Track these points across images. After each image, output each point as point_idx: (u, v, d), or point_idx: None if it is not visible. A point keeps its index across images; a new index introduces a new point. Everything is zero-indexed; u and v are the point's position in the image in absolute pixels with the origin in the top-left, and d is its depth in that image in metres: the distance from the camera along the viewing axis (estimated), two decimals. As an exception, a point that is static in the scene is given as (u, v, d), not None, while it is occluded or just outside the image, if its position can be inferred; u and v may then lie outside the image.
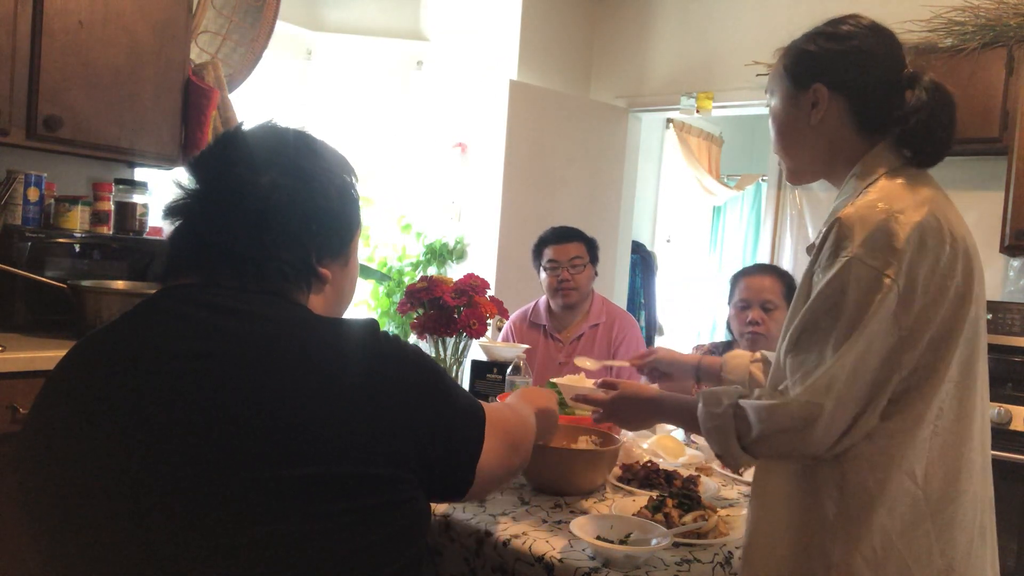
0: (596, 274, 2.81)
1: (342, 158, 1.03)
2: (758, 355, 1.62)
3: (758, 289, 2.26)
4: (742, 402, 1.10)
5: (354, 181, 1.03)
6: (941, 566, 1.09)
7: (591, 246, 2.76)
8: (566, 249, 2.69)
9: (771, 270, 2.37)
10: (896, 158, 1.16)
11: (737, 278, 2.35)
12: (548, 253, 2.72)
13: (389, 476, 0.84)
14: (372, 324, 0.93)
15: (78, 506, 0.81)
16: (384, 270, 4.18)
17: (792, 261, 3.80)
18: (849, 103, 1.18)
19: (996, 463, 1.23)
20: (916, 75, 1.17)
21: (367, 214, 4.20)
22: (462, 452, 0.96)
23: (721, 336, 5.81)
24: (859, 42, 1.19)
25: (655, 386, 1.40)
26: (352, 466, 0.81)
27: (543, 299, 2.82)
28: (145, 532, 0.78)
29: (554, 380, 1.78)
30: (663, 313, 5.26)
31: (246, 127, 0.99)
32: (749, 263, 5.88)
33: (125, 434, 0.81)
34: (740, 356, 1.64)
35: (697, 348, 2.44)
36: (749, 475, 1.69)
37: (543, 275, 2.74)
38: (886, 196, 1.09)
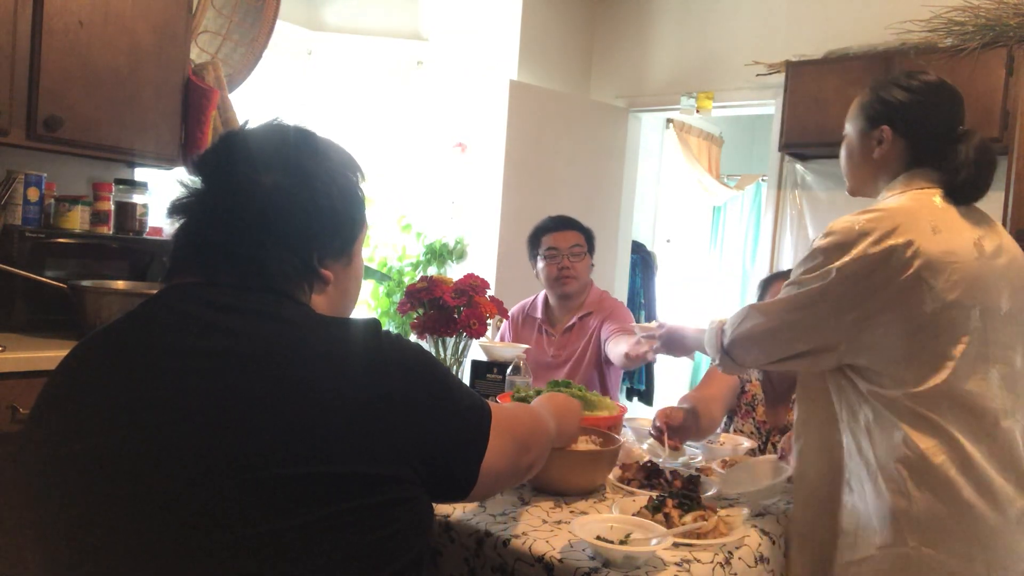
0: (593, 265, 2.76)
1: (348, 156, 1.03)
2: None
3: None
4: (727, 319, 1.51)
5: (359, 180, 1.03)
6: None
7: (589, 236, 2.73)
8: (566, 237, 2.66)
9: None
10: (921, 182, 1.41)
11: (769, 282, 2.25)
12: (547, 241, 2.67)
13: (390, 475, 0.84)
14: (374, 323, 0.93)
15: (82, 503, 0.81)
16: (384, 270, 4.19)
17: (792, 261, 3.79)
18: (907, 144, 1.43)
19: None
20: (969, 132, 1.41)
21: (367, 214, 4.19)
22: (465, 451, 0.96)
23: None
24: (924, 97, 1.43)
25: (690, 325, 1.76)
26: (353, 465, 0.81)
27: (542, 294, 2.80)
28: (149, 529, 0.78)
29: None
30: (663, 313, 5.26)
31: (250, 126, 0.99)
32: (749, 263, 5.91)
33: (128, 432, 0.81)
34: None
35: None
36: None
37: (541, 264, 2.68)
38: (876, 217, 1.33)
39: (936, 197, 1.38)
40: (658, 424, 1.76)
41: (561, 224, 2.71)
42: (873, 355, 1.33)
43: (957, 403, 1.29)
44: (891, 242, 1.29)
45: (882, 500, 1.32)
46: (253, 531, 0.77)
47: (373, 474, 0.83)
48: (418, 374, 0.91)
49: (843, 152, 1.54)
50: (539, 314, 2.77)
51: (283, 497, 0.78)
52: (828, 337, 1.36)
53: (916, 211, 1.34)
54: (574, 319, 2.68)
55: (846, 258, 1.31)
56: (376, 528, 0.83)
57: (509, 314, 2.80)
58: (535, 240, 2.72)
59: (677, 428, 1.75)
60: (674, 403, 1.96)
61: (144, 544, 0.79)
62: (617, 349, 2.41)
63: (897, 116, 1.43)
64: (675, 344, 1.77)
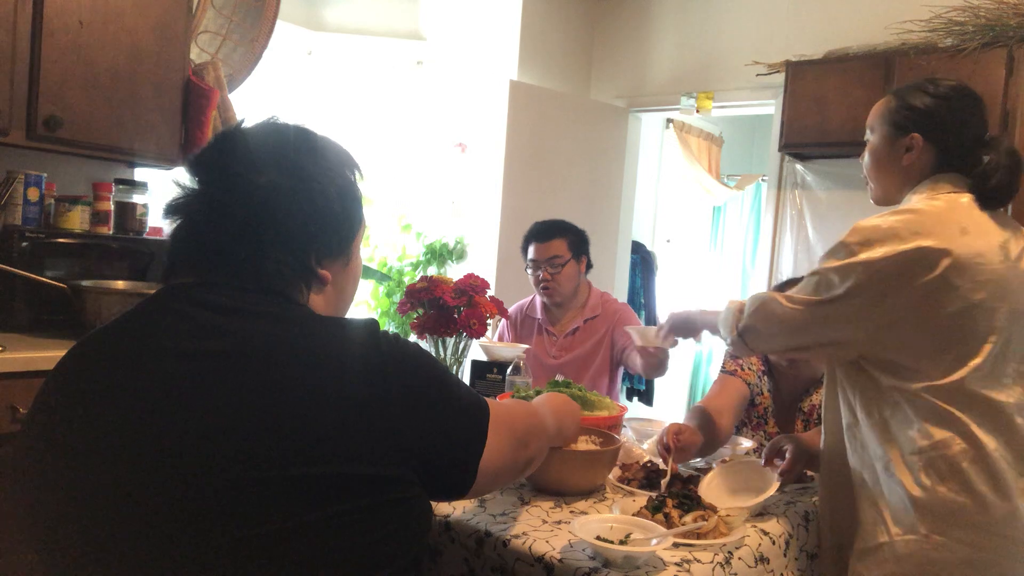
0: (591, 265, 2.73)
1: (345, 154, 1.02)
2: None
3: None
4: (746, 301, 1.51)
5: (357, 178, 1.02)
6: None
7: (575, 241, 2.67)
8: (546, 247, 2.63)
9: None
10: (947, 186, 1.42)
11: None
12: (530, 251, 2.67)
13: (389, 475, 0.84)
14: (372, 323, 0.92)
15: (79, 504, 0.81)
16: (384, 270, 4.19)
17: (792, 261, 3.79)
18: (937, 151, 1.44)
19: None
20: (997, 138, 1.44)
21: (367, 214, 4.19)
22: (463, 450, 0.95)
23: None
24: (953, 103, 1.44)
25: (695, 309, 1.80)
26: (351, 466, 0.81)
27: None
28: (147, 530, 0.78)
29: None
30: (663, 313, 5.26)
31: (247, 125, 0.97)
32: (749, 263, 5.90)
33: (126, 433, 0.81)
34: None
35: (733, 359, 2.15)
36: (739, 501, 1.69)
37: (528, 270, 2.70)
38: (906, 219, 1.35)
39: (964, 199, 1.40)
40: (666, 442, 1.71)
41: (542, 233, 2.67)
42: (895, 351, 1.36)
43: (976, 398, 1.33)
44: (920, 243, 1.31)
45: (896, 490, 1.36)
46: (250, 532, 0.77)
47: (371, 474, 0.82)
48: (416, 373, 0.91)
49: (867, 160, 1.54)
50: (539, 315, 2.76)
51: (280, 498, 0.78)
52: (848, 331, 1.38)
53: (945, 213, 1.36)
54: (579, 322, 2.66)
55: (873, 256, 1.33)
56: (374, 528, 0.83)
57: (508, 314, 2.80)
58: (524, 247, 2.72)
59: (680, 449, 1.71)
60: (674, 404, 1.95)
61: (142, 545, 0.78)
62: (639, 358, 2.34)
63: (927, 123, 1.43)
64: (681, 325, 1.80)
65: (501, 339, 2.78)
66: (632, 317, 2.70)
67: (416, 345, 0.95)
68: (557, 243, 2.63)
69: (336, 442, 0.81)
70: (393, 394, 0.86)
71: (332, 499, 0.80)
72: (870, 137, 1.53)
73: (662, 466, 1.69)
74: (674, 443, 1.69)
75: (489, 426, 0.99)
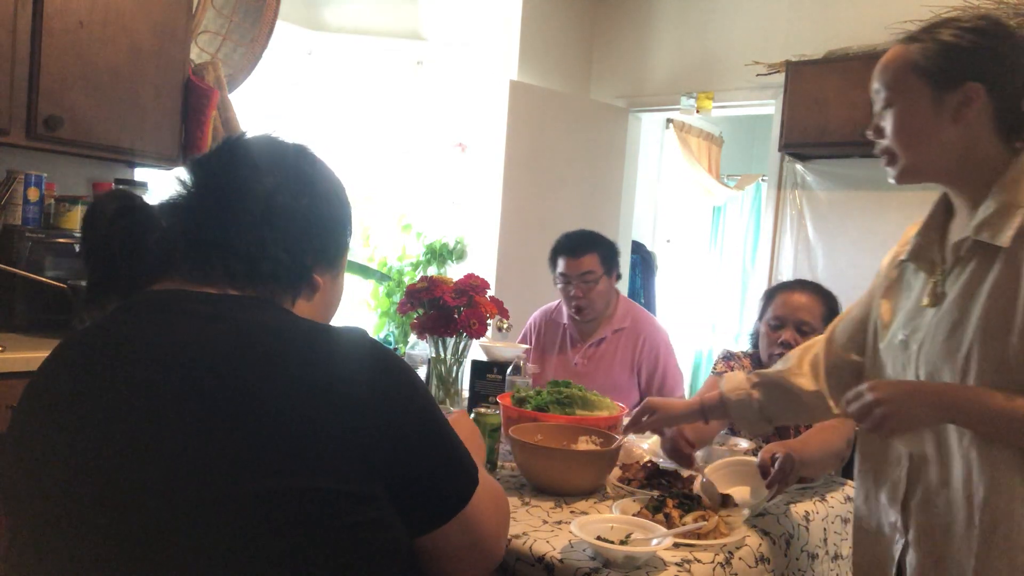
0: (619, 276, 2.65)
1: (338, 178, 1.03)
2: (755, 378, 1.51)
3: (795, 307, 2.00)
4: None
5: (348, 201, 1.03)
6: None
7: (607, 255, 2.57)
8: (578, 263, 2.52)
9: (813, 288, 2.07)
10: None
11: (773, 293, 2.12)
12: (560, 265, 2.56)
13: (358, 493, 0.80)
14: (360, 332, 0.89)
15: (56, 507, 0.81)
16: (384, 270, 4.19)
17: (792, 261, 3.79)
18: (995, 106, 1.13)
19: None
20: None
21: (367, 213, 4.21)
22: (442, 472, 0.89)
23: (723, 341, 5.80)
24: (1015, 42, 1.13)
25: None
26: (318, 480, 0.78)
27: None
28: (104, 543, 0.77)
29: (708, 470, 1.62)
30: (663, 313, 5.26)
31: (247, 137, 0.99)
32: (749, 263, 5.90)
33: (100, 439, 0.80)
34: (737, 384, 1.53)
35: (724, 361, 2.15)
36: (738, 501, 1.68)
37: (557, 285, 2.60)
38: None
39: None
40: (688, 437, 1.67)
41: (575, 248, 2.55)
42: None
43: None
44: None
45: None
46: (223, 542, 0.76)
47: (339, 490, 0.79)
48: (402, 386, 0.87)
49: (892, 129, 1.19)
50: (565, 320, 2.68)
51: (245, 514, 0.76)
52: None
53: None
54: (606, 332, 2.58)
55: None
56: (341, 549, 0.80)
57: (533, 317, 2.76)
58: (552, 258, 2.61)
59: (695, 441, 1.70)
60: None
61: (116, 549, 0.77)
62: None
63: (989, 67, 1.12)
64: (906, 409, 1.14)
65: (525, 340, 2.72)
66: (660, 338, 2.59)
67: (403, 361, 0.91)
68: (589, 258, 2.52)
69: (304, 453, 0.78)
70: (370, 405, 0.82)
71: (294, 517, 0.77)
72: (884, 100, 1.20)
73: (662, 466, 1.69)
74: (688, 441, 1.67)
75: (480, 481, 0.93)
